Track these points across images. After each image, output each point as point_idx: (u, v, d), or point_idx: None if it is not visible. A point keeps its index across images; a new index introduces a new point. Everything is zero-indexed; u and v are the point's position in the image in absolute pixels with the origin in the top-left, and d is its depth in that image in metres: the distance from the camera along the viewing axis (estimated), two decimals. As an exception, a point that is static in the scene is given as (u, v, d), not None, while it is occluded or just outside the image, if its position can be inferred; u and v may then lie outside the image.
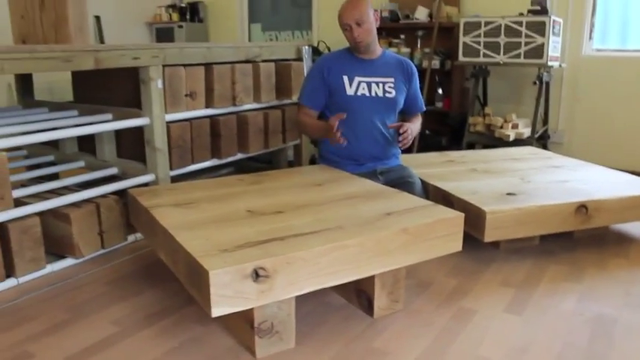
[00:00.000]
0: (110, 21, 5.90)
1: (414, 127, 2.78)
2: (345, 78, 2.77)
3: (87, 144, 3.25)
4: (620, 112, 4.51)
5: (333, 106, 2.81)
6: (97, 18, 5.69)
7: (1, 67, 2.11)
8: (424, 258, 2.01)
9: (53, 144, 3.38)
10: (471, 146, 4.61)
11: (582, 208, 2.60)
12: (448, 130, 4.92)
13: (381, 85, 2.80)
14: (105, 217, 2.64)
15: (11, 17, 2.82)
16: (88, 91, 3.27)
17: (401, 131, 2.67)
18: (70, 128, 2.70)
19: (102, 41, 5.67)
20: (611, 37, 4.61)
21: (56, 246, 2.57)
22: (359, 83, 2.78)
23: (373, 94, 2.79)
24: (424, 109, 3.03)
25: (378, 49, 2.86)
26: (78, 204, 2.59)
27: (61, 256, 2.57)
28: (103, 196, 2.71)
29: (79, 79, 3.36)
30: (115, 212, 2.69)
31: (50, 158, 3.34)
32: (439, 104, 4.97)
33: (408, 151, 4.32)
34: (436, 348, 1.89)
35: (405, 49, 5.04)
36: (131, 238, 2.82)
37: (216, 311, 1.59)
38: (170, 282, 2.35)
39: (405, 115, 2.97)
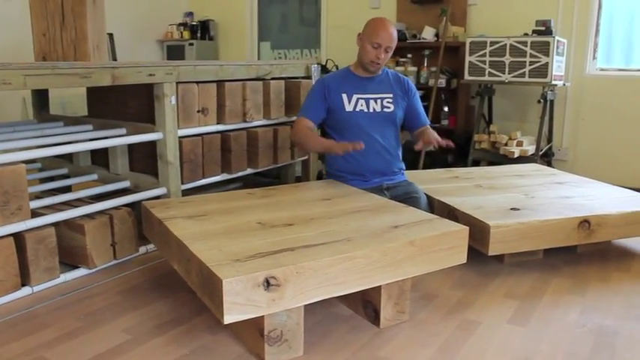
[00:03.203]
0: (122, 38, 6.02)
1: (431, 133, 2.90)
2: (344, 96, 2.88)
3: (100, 157, 3.33)
4: (623, 129, 4.57)
5: (333, 123, 2.91)
6: (110, 35, 5.81)
7: (23, 83, 2.19)
8: (430, 269, 2.07)
9: (67, 157, 3.46)
10: (477, 163, 4.67)
11: (585, 223, 2.65)
12: (454, 148, 4.97)
13: (379, 100, 2.90)
14: (118, 229, 2.70)
15: (34, 35, 2.92)
16: (103, 107, 3.35)
17: (425, 139, 2.81)
18: (85, 142, 2.78)
19: (114, 58, 5.78)
20: (616, 57, 4.68)
21: (70, 256, 2.63)
22: (357, 100, 2.88)
23: (371, 109, 2.89)
24: (429, 122, 3.11)
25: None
26: (92, 215, 2.65)
27: (74, 266, 2.63)
28: (116, 208, 2.77)
29: (94, 94, 3.45)
30: (128, 224, 2.75)
31: (64, 171, 3.42)
32: (445, 122, 5.04)
33: (413, 167, 4.39)
34: (441, 358, 1.93)
35: (412, 68, 5.13)
36: (142, 249, 2.88)
37: (229, 318, 1.65)
38: (181, 292, 2.41)
39: (413, 129, 3.04)
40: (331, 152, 2.74)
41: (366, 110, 2.88)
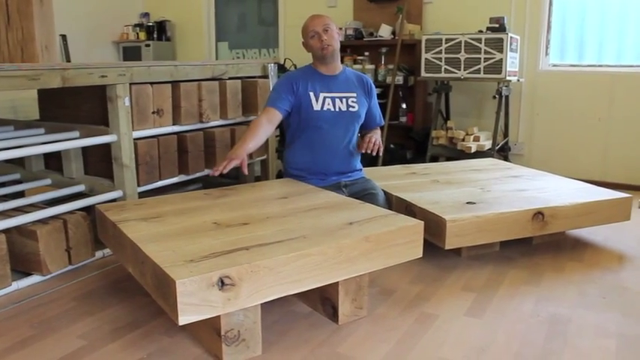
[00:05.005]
0: (77, 40, 5.91)
1: (376, 134, 2.89)
2: (312, 94, 2.86)
3: (54, 162, 3.25)
4: (575, 124, 4.68)
5: (301, 122, 2.88)
6: (64, 37, 5.69)
7: (-34, 86, 2.13)
8: (386, 265, 2.08)
9: (19, 162, 3.38)
10: (435, 159, 4.72)
11: (539, 215, 2.70)
12: (412, 144, 5.03)
13: (344, 100, 2.90)
14: (72, 234, 2.65)
15: (-24, 36, 2.85)
16: (55, 110, 3.28)
17: (365, 140, 2.80)
18: (36, 146, 2.72)
19: (68, 60, 5.67)
20: (569, 53, 4.79)
21: (22, 263, 2.57)
22: (324, 99, 2.87)
23: (337, 109, 2.88)
24: (383, 123, 3.14)
25: (339, 65, 2.96)
26: (45, 221, 2.59)
27: (27, 274, 2.57)
28: (71, 212, 2.71)
29: (46, 97, 3.37)
30: (83, 228, 2.70)
31: (16, 176, 3.33)
32: (403, 119, 5.08)
33: (372, 164, 4.42)
34: (398, 351, 1.95)
35: (370, 66, 5.16)
36: (99, 254, 2.83)
37: (183, 319, 1.63)
38: (138, 296, 2.38)
39: (365, 129, 3.05)
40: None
41: (332, 109, 2.88)
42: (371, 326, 2.13)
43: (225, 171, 2.54)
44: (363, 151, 2.86)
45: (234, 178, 3.95)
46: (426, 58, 4.58)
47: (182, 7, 6.60)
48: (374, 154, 2.83)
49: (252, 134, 2.72)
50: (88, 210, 2.77)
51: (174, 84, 3.13)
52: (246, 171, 2.62)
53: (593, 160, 4.65)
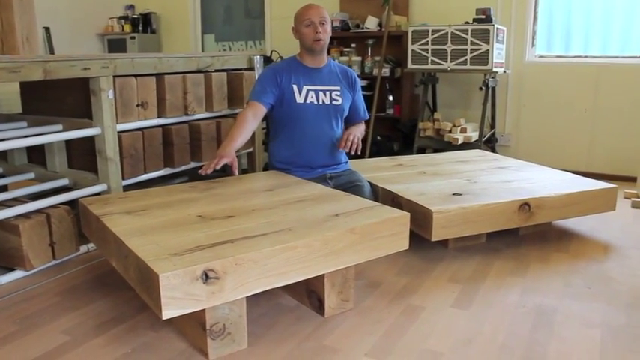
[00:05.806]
0: (61, 33, 5.84)
1: (356, 131, 2.88)
2: (295, 87, 2.84)
3: (37, 155, 3.22)
4: (561, 115, 4.69)
5: (284, 115, 2.86)
6: (47, 29, 5.63)
7: (-56, 78, 2.09)
8: (372, 257, 2.07)
9: (2, 156, 3.33)
10: (422, 151, 4.72)
11: (525, 205, 2.71)
12: (399, 136, 5.03)
13: (328, 93, 2.88)
14: (56, 228, 2.62)
15: (-45, 28, 2.80)
16: (38, 103, 3.24)
17: (344, 138, 2.80)
18: (19, 139, 2.68)
19: (52, 53, 5.60)
20: (556, 44, 4.79)
21: (5, 258, 2.54)
22: (307, 91, 2.85)
23: (320, 101, 2.87)
24: (367, 117, 3.13)
25: (325, 58, 2.95)
26: (28, 215, 2.56)
27: (10, 269, 2.54)
28: (54, 206, 2.68)
29: (28, 90, 3.32)
30: (67, 222, 2.67)
31: (-2, 171, 3.30)
32: (390, 111, 5.08)
33: (359, 156, 4.41)
34: (385, 343, 1.95)
35: (356, 58, 5.14)
36: (83, 248, 2.80)
37: (167, 313, 1.61)
38: (122, 290, 2.35)
39: (349, 123, 3.04)
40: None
41: (315, 102, 2.86)
42: (357, 318, 2.12)
43: (217, 168, 2.52)
44: (341, 150, 2.85)
45: (221, 171, 3.92)
46: (412, 50, 4.57)
47: (167, -1, 6.55)
48: (352, 153, 2.82)
49: (239, 131, 2.70)
50: (72, 204, 2.74)
51: (159, 76, 3.10)
52: (236, 172, 2.60)
53: (579, 151, 4.67)
